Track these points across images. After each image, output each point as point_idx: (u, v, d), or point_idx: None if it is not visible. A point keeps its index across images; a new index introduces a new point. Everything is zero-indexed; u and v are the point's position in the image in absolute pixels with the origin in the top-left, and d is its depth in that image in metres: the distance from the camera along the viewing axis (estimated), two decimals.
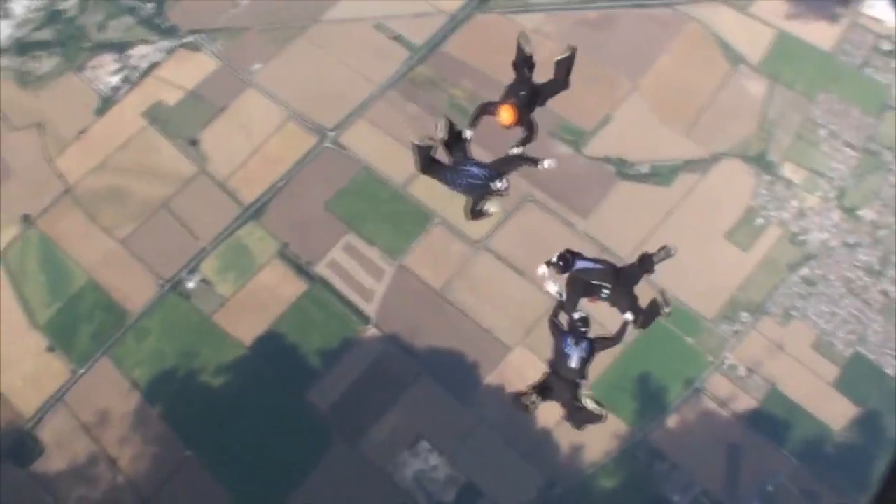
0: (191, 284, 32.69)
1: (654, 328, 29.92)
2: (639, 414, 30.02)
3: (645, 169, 33.38)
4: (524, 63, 13.23)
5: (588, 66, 34.75)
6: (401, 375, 30.99)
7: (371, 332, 31.55)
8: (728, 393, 30.30)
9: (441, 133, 12.38)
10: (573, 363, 11.89)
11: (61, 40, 37.66)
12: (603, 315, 13.12)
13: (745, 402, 30.16)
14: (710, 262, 31.87)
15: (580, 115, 34.18)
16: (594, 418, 11.91)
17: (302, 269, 32.74)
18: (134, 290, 32.73)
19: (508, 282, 31.32)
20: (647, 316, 12.42)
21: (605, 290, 12.38)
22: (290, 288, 32.46)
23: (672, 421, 30.03)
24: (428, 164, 12.43)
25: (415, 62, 36.07)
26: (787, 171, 33.27)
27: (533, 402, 11.94)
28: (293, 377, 31.19)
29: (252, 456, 30.08)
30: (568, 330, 12.20)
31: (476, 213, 12.50)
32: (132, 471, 30.40)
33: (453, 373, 30.95)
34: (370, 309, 31.81)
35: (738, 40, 35.41)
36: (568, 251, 12.30)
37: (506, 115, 12.63)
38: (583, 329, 12.09)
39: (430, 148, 12.34)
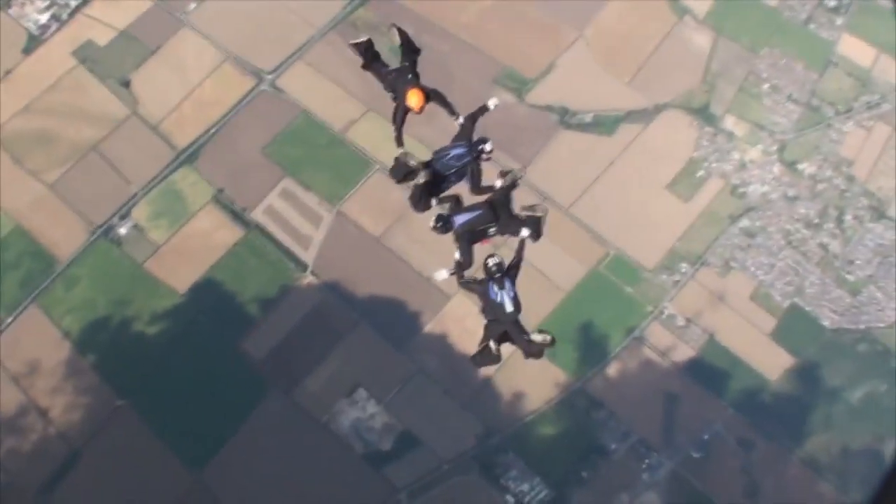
0: (122, 230, 31.87)
1: (596, 278, 30.21)
2: (579, 363, 30.17)
3: (588, 118, 33.22)
4: (374, 56, 13.14)
5: (533, 14, 34.70)
6: (338, 324, 30.72)
7: (308, 279, 31.13)
8: (667, 343, 30.59)
9: (424, 178, 12.00)
10: (509, 307, 11.59)
11: None
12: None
13: (684, 352, 30.50)
14: (652, 212, 32.03)
15: (524, 62, 33.88)
16: (547, 345, 11.64)
17: (237, 215, 32.11)
18: (63, 236, 31.82)
19: None
20: (535, 226, 12.27)
21: (492, 229, 12.20)
22: (226, 234, 31.84)
23: (611, 370, 30.25)
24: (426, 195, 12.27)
25: (356, 4, 35.23)
26: (730, 123, 33.38)
27: (498, 351, 11.82)
28: (228, 326, 30.76)
29: (185, 406, 29.66)
30: (486, 278, 11.83)
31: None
32: (63, 421, 29.80)
33: (392, 321, 30.77)
34: (308, 256, 31.33)
35: None
36: (440, 215, 11.98)
37: (414, 98, 12.43)
38: (500, 274, 11.70)
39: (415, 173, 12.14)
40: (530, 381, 29.88)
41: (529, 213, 12.22)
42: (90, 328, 30.74)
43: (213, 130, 33.20)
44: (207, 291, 31.09)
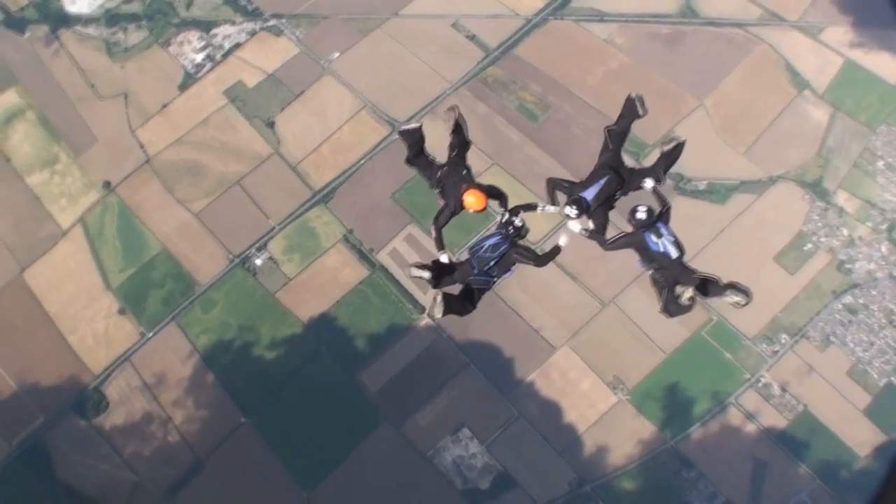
0: (258, 261, 34.36)
1: (697, 342, 31.17)
2: (672, 422, 31.33)
3: (702, 186, 34.03)
4: (420, 150, 13.05)
5: (656, 80, 35.90)
6: (449, 365, 32.53)
7: (425, 321, 33.01)
8: (760, 410, 31.39)
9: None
10: (674, 252, 12.05)
11: (149, 14, 39.04)
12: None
13: (777, 421, 31.23)
14: (757, 282, 31.93)
15: (643, 128, 34.50)
16: (738, 305, 11.85)
17: (364, 256, 34.23)
18: (204, 261, 34.52)
19: (560, 284, 32.48)
20: (669, 159, 13.01)
21: (619, 193, 12.57)
22: (352, 273, 33.99)
23: (703, 432, 31.22)
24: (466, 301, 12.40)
25: (487, 63, 36.90)
26: (841, 199, 33.74)
27: (690, 300, 11.88)
28: (347, 357, 32.92)
29: (303, 428, 31.96)
30: (639, 230, 12.14)
31: (552, 255, 12.65)
32: (190, 431, 32.50)
33: (499, 367, 32.40)
34: (425, 299, 33.13)
35: (806, 66, 35.72)
36: (576, 196, 12.20)
37: (474, 199, 12.33)
38: (648, 215, 12.08)
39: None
40: (624, 436, 31.27)
41: (675, 143, 13.10)
42: (221, 348, 33.36)
43: (347, 174, 35.42)
44: (331, 324, 33.31)
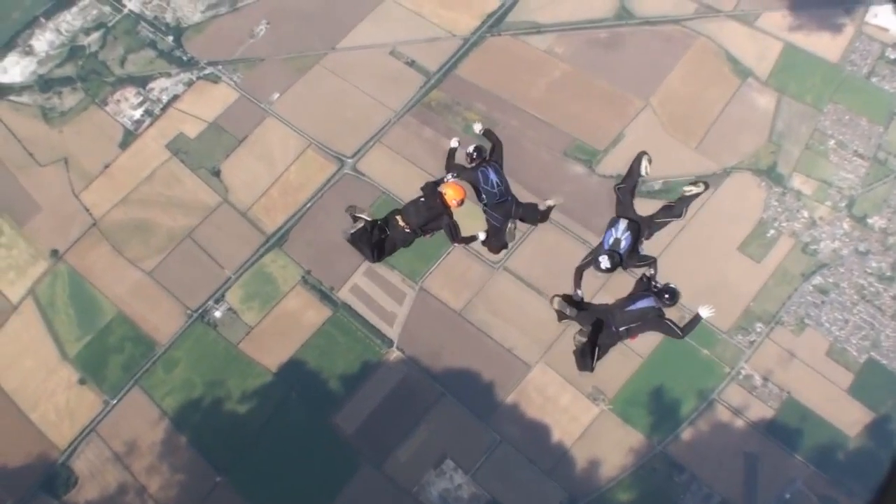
0: (217, 313, 33.52)
1: (672, 342, 30.38)
2: (658, 427, 30.70)
3: (657, 185, 33.42)
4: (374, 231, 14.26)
5: (600, 86, 35.72)
6: (424, 396, 31.75)
7: (394, 354, 32.29)
8: (745, 402, 30.90)
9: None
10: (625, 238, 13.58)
11: (83, 75, 38.44)
12: None
13: (762, 411, 30.76)
14: (725, 274, 32.33)
15: (593, 134, 34.79)
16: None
17: (325, 295, 33.52)
18: (162, 320, 33.60)
19: (527, 301, 31.92)
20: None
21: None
22: (314, 314, 33.23)
23: (690, 432, 30.64)
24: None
25: (429, 87, 36.67)
26: (797, 182, 33.68)
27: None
28: (319, 402, 32.02)
29: (281, 480, 30.89)
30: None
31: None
32: (165, 498, 31.26)
33: (476, 392, 31.66)
34: (393, 332, 32.57)
35: (746, 54, 35.83)
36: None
37: (453, 191, 13.90)
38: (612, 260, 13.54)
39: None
40: (611, 447, 30.59)
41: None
42: (188, 407, 32.34)
43: (299, 214, 34.85)
44: (299, 369, 32.44)
